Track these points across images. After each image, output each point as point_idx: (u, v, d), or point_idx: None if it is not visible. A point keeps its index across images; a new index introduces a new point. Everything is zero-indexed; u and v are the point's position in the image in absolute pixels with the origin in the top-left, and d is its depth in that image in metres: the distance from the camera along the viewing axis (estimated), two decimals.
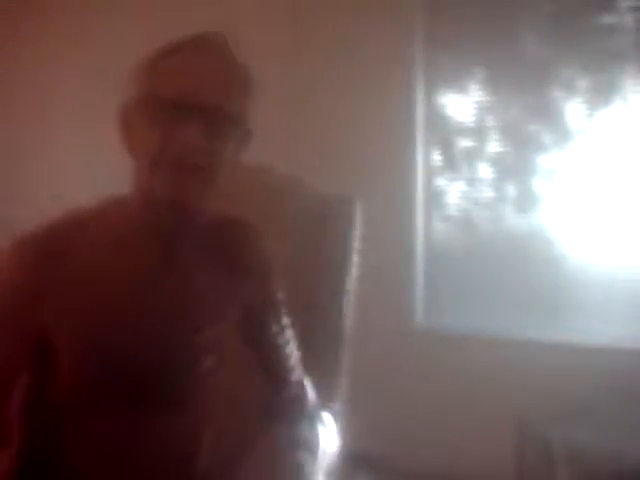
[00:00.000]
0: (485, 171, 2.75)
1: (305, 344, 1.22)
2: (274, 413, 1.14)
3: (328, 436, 1.14)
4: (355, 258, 1.45)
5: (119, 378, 0.99)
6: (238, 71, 1.02)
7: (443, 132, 2.78)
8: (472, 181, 2.77)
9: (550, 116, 2.63)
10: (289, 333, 1.19)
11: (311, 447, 1.09)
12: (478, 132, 2.74)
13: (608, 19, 2.54)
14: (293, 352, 1.19)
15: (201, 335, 1.05)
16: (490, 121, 2.73)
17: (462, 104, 2.78)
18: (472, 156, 2.76)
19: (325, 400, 1.21)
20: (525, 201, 2.68)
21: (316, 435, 1.11)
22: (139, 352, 1.00)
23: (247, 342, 1.15)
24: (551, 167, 2.64)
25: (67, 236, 1.00)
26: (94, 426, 1.01)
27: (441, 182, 2.80)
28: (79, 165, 3.07)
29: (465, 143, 2.76)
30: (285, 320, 1.20)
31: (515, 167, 2.70)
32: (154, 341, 1.01)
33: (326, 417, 1.17)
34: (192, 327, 1.04)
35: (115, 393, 0.99)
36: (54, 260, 0.98)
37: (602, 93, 2.54)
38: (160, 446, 1.02)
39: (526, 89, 2.66)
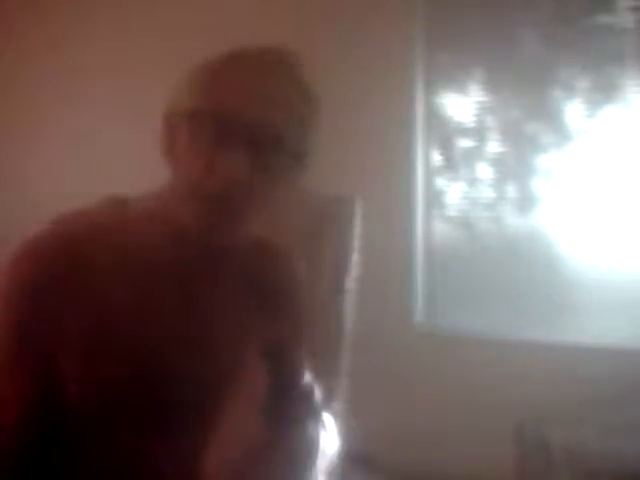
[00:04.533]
0: (485, 171, 2.75)
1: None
2: (281, 414, 1.13)
3: (328, 436, 1.14)
4: (355, 258, 1.45)
5: (127, 403, 0.92)
6: (303, 96, 0.92)
7: (443, 132, 2.78)
8: (472, 181, 2.77)
9: (550, 116, 2.63)
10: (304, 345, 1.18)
11: (315, 448, 1.08)
12: (478, 132, 2.74)
13: (608, 19, 2.54)
14: (302, 358, 1.18)
15: (213, 367, 0.99)
16: (490, 121, 2.73)
17: (462, 104, 2.77)
18: (472, 156, 2.75)
19: (325, 400, 1.21)
20: (525, 201, 2.68)
21: (319, 435, 1.11)
22: (144, 380, 0.93)
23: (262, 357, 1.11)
24: (551, 167, 2.64)
25: (78, 255, 0.91)
26: (100, 449, 0.94)
27: (441, 182, 2.80)
28: (79, 165, 3.07)
29: (465, 143, 2.76)
30: (304, 350, 1.16)
31: (515, 167, 2.70)
32: (161, 370, 0.94)
33: (326, 417, 1.17)
34: (204, 359, 0.98)
35: (122, 418, 0.93)
36: (60, 284, 0.89)
37: (602, 93, 2.54)
38: (167, 465, 0.97)
39: (526, 89, 2.66)
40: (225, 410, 1.02)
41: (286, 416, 1.11)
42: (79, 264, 0.91)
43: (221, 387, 1.01)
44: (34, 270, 0.90)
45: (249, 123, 0.86)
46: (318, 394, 1.18)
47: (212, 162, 0.86)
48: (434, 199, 2.80)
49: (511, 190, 2.71)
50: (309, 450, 1.07)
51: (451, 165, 2.79)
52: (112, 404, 0.93)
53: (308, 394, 1.16)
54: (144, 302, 0.94)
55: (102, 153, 3.00)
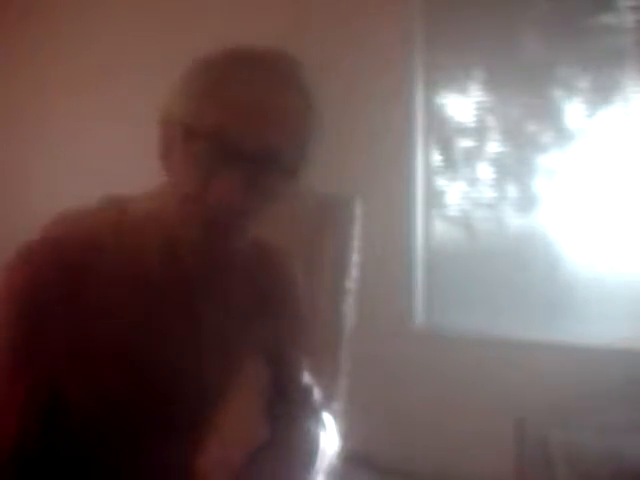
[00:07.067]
0: (485, 171, 2.75)
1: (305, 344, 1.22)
2: (281, 414, 1.13)
3: (328, 436, 1.14)
4: (355, 258, 1.44)
5: (127, 405, 0.92)
6: (303, 107, 0.89)
7: (443, 132, 2.78)
8: (472, 181, 2.77)
9: (550, 116, 2.63)
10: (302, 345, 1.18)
11: (315, 448, 1.08)
12: (478, 132, 2.74)
13: (608, 19, 2.54)
14: (301, 358, 1.18)
15: (214, 373, 0.99)
16: (490, 121, 2.73)
17: (462, 104, 2.77)
18: (472, 156, 2.75)
19: (325, 400, 1.21)
20: (525, 201, 2.68)
21: (319, 435, 1.11)
22: (145, 388, 0.93)
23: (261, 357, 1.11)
24: (551, 167, 2.63)
25: (76, 262, 0.90)
26: (99, 451, 0.94)
27: (441, 182, 2.80)
28: (79, 166, 3.07)
29: (465, 143, 2.76)
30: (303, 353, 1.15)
31: (515, 167, 2.70)
32: (162, 378, 0.94)
33: (326, 417, 1.17)
34: (205, 366, 0.98)
35: (122, 419, 0.93)
36: (57, 291, 0.88)
37: (602, 93, 2.54)
38: (163, 469, 0.97)
39: (526, 89, 2.66)
40: (225, 408, 1.03)
41: (286, 416, 1.11)
42: (73, 274, 0.90)
43: (220, 386, 1.01)
44: (27, 282, 0.89)
45: (247, 146, 0.84)
46: (317, 394, 1.18)
47: (207, 184, 0.84)
48: (434, 199, 2.80)
49: (511, 190, 2.71)
50: (309, 450, 1.07)
51: (451, 165, 2.79)
52: (113, 406, 0.92)
53: (307, 394, 1.16)
54: (141, 307, 0.94)
55: (102, 154, 3.00)
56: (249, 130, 0.84)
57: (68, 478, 0.95)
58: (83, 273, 0.90)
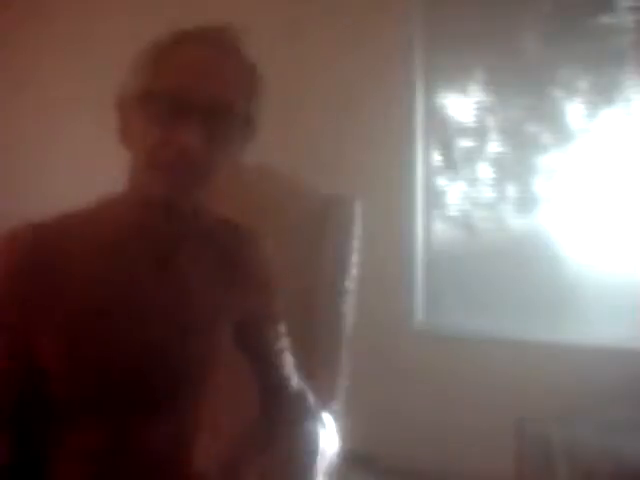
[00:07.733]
0: (485, 171, 2.75)
1: (305, 344, 1.22)
2: (279, 416, 1.13)
3: (328, 436, 1.14)
4: (355, 258, 1.45)
5: (108, 386, 0.95)
6: (246, 68, 0.98)
7: (443, 132, 2.78)
8: (472, 181, 2.77)
9: (550, 116, 2.63)
10: (285, 340, 1.18)
11: (314, 448, 1.08)
12: (478, 132, 2.74)
13: (608, 19, 2.54)
14: (289, 358, 1.18)
15: (193, 343, 1.02)
16: (490, 121, 2.73)
17: (462, 104, 2.78)
18: (472, 156, 2.76)
19: (325, 400, 1.21)
20: (525, 201, 2.68)
21: (317, 436, 1.11)
22: (129, 360, 0.96)
23: (242, 349, 1.14)
24: (551, 167, 2.64)
25: (56, 243, 0.94)
26: (82, 438, 0.96)
27: (441, 182, 2.80)
28: (78, 165, 3.07)
29: (465, 143, 2.77)
30: (282, 327, 1.18)
31: (515, 167, 2.70)
32: (145, 348, 0.97)
33: (326, 417, 1.17)
34: (184, 335, 1.01)
35: (103, 402, 0.96)
36: (41, 270, 0.92)
37: (602, 93, 2.54)
38: (151, 453, 0.99)
39: (526, 89, 2.66)
40: (218, 406, 1.04)
41: (284, 418, 1.12)
42: (55, 253, 0.94)
43: (200, 363, 1.04)
44: (10, 262, 0.93)
45: (201, 100, 0.91)
46: (311, 397, 1.19)
47: (167, 135, 0.90)
48: (434, 199, 2.80)
49: (511, 190, 2.71)
50: (308, 451, 1.07)
51: (451, 165, 2.79)
52: (95, 388, 0.95)
53: (301, 398, 1.17)
54: (123, 283, 0.97)
55: (102, 154, 3.00)
56: (201, 86, 0.92)
57: (54, 461, 0.97)
58: (64, 253, 0.94)
